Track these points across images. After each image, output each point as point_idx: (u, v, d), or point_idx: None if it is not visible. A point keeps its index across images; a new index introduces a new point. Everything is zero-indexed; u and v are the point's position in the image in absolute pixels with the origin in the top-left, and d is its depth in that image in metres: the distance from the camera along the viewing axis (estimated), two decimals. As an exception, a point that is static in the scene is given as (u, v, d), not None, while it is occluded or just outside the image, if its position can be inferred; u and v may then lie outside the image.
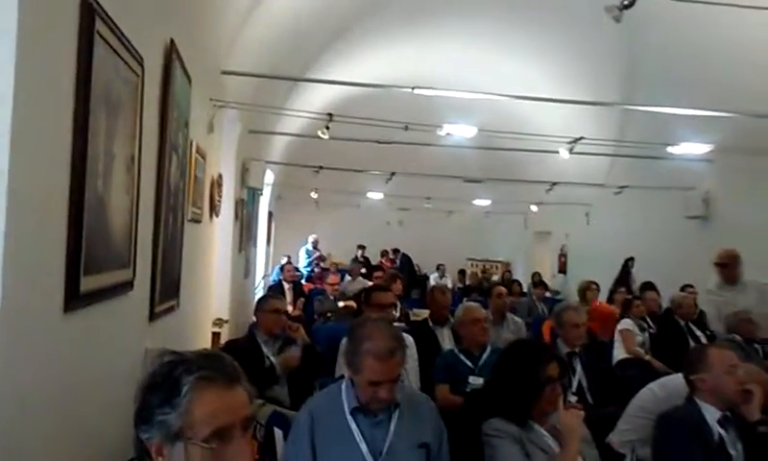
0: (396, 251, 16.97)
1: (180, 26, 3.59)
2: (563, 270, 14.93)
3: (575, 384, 4.37)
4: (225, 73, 5.25)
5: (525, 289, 11.74)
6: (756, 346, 5.76)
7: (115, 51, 2.32)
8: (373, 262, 15.41)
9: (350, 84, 8.27)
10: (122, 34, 2.38)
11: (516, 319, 6.56)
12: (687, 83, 8.55)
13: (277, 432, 2.63)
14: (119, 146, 2.44)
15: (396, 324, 5.64)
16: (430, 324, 5.45)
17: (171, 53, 3.30)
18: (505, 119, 9.85)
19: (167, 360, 1.44)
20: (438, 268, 17.00)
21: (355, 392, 2.44)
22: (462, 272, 16.96)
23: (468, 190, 14.26)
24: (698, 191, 10.10)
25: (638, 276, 10.34)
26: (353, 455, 2.34)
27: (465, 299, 8.93)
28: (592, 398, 4.33)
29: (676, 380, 3.21)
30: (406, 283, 11.13)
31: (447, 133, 7.82)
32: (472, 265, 18.10)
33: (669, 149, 8.05)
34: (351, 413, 2.42)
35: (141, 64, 2.71)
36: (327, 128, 6.74)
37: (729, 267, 6.33)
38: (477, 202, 16.13)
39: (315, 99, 10.70)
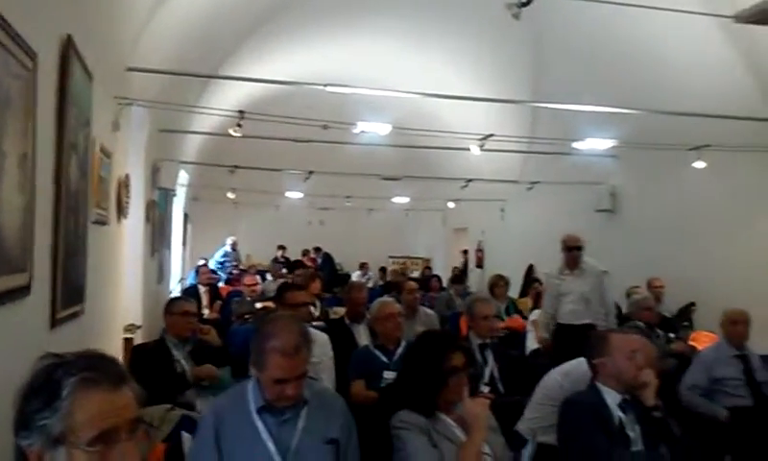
0: (317, 249, 16.91)
1: (80, 21, 3.46)
2: (480, 265, 15.24)
3: (487, 374, 4.49)
4: (130, 70, 5.08)
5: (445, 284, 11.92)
6: (659, 332, 6.07)
7: (3, 44, 2.22)
8: (297, 263, 15.30)
9: (262, 82, 8.17)
10: (10, 27, 2.28)
11: (429, 312, 6.65)
12: (592, 80, 8.90)
13: (186, 437, 2.57)
14: (10, 144, 2.33)
15: (314, 323, 5.64)
16: (347, 321, 5.47)
17: (68, 48, 3.17)
18: (419, 117, 10.00)
19: (46, 363, 1.38)
20: (361, 267, 17.04)
21: (261, 390, 2.41)
22: (383, 269, 17.08)
23: (386, 188, 14.36)
24: (606, 186, 10.53)
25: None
26: (261, 454, 2.31)
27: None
28: (504, 387, 4.45)
29: (579, 367, 3.34)
30: (327, 282, 11.12)
31: (362, 131, 7.85)
32: (394, 262, 18.27)
33: (574, 144, 8.37)
34: (258, 412, 2.39)
35: (34, 60, 2.59)
36: (239, 125, 6.63)
37: (572, 251, 6.40)
38: (396, 200, 16.26)
39: (229, 97, 10.52)
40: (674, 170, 8.65)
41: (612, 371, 2.95)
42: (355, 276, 15.86)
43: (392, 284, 10.92)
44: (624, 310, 6.92)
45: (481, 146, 7.30)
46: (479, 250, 15.37)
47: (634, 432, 2.83)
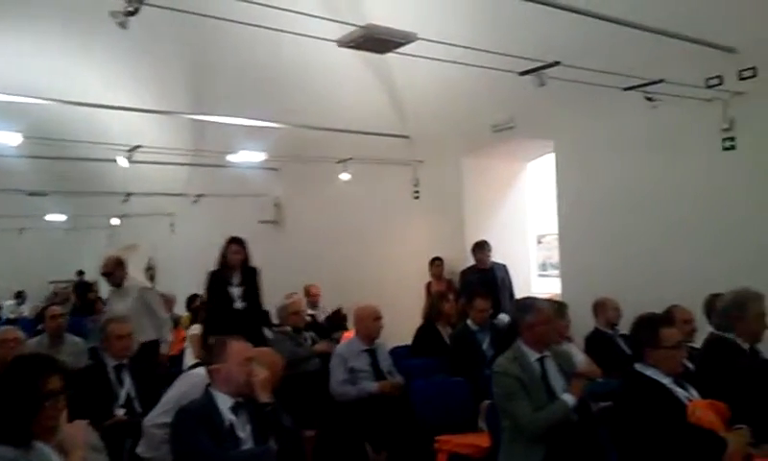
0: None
1: None
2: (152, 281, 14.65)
3: (123, 396, 4.29)
4: None
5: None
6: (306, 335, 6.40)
7: None
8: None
9: None
10: None
11: (77, 339, 6.16)
12: (250, 96, 9.16)
13: None
14: None
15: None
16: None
17: None
18: (61, 125, 9.27)
19: None
20: (17, 295, 15.12)
21: None
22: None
23: (35, 204, 12.96)
24: (269, 197, 10.90)
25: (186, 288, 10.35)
26: None
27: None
28: (143, 407, 4.28)
29: (200, 372, 3.35)
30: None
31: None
32: (56, 288, 16.58)
33: (228, 157, 8.51)
34: None
35: None
36: None
37: (112, 275, 6.24)
38: (50, 217, 14.73)
39: None
40: (326, 181, 9.28)
41: (225, 376, 3.01)
42: (7, 306, 14.08)
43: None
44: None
45: (129, 157, 6.99)
46: (150, 267, 14.77)
47: (244, 432, 2.93)
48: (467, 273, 7.91)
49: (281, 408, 3.07)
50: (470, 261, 7.88)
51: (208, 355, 3.14)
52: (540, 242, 9.35)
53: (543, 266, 9.32)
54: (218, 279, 6.02)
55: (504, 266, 7.95)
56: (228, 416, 2.93)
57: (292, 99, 8.76)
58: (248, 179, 10.57)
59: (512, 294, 7.77)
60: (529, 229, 8.94)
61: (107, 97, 8.43)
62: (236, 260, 6.00)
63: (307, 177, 9.80)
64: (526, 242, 8.89)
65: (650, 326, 3.29)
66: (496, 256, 7.86)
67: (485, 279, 7.62)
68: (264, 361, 3.20)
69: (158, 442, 3.30)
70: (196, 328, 6.95)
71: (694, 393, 3.27)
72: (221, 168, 10.01)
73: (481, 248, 7.77)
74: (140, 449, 3.44)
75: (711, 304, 4.70)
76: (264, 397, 3.01)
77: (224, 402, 2.97)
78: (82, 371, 4.67)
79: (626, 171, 6.38)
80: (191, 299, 8.90)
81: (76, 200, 13.56)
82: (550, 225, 7.75)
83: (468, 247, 7.88)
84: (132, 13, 3.10)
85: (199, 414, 2.88)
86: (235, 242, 6.07)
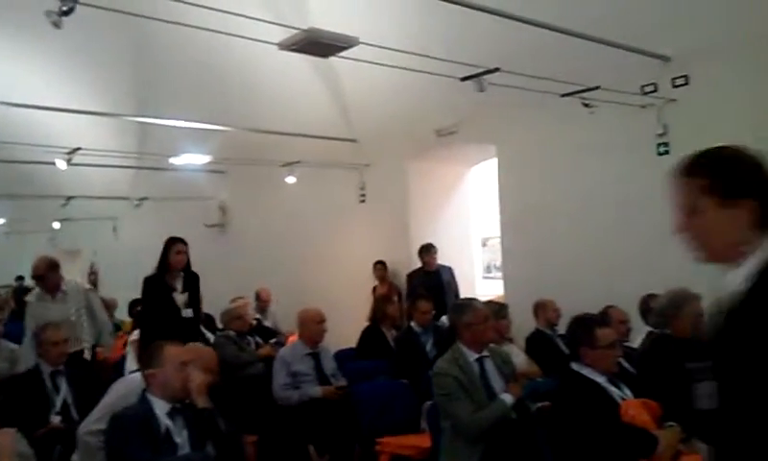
0: None
1: None
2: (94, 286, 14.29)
3: (59, 403, 4.21)
4: None
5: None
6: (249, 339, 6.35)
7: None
8: None
9: None
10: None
11: (13, 346, 5.97)
12: (196, 100, 9.03)
13: None
14: None
15: None
16: None
17: None
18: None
19: None
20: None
21: None
22: None
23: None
24: (215, 201, 10.77)
25: (127, 293, 9.96)
26: None
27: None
28: (80, 413, 4.20)
29: (136, 377, 3.30)
30: None
31: None
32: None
33: (171, 160, 8.38)
34: None
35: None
36: None
37: (45, 278, 5.69)
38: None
39: None
40: (272, 185, 9.23)
41: (162, 381, 2.98)
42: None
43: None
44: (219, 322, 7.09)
45: (68, 160, 6.82)
46: (92, 272, 14.41)
47: (181, 438, 2.90)
48: (413, 275, 7.99)
49: (219, 413, 3.05)
50: (417, 264, 7.95)
51: (144, 360, 3.09)
52: (485, 245, 9.49)
53: (488, 268, 9.47)
54: (160, 286, 5.44)
55: (450, 269, 8.06)
56: (165, 421, 2.90)
57: (238, 102, 8.69)
58: (193, 182, 10.43)
59: (457, 296, 7.86)
60: (473, 232, 9.07)
61: (48, 99, 8.21)
62: (180, 262, 5.48)
63: (253, 180, 9.73)
64: (471, 245, 9.01)
65: (586, 326, 3.38)
66: (442, 259, 7.96)
67: (431, 281, 7.71)
68: (200, 363, 3.17)
69: (95, 449, 3.24)
70: (138, 335, 6.83)
71: (628, 392, 3.37)
72: (165, 171, 9.84)
73: (427, 251, 7.86)
74: (75, 458, 3.37)
75: (647, 305, 4.87)
76: (201, 401, 2.98)
77: (160, 408, 2.93)
78: (16, 377, 4.56)
79: (565, 175, 6.54)
80: (133, 304, 8.72)
81: (15, 203, 13.14)
82: (495, 228, 7.88)
83: (414, 250, 7.96)
84: (66, 13, 3.03)
85: (134, 420, 2.84)
86: (179, 241, 5.57)
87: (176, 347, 3.12)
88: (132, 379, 3.48)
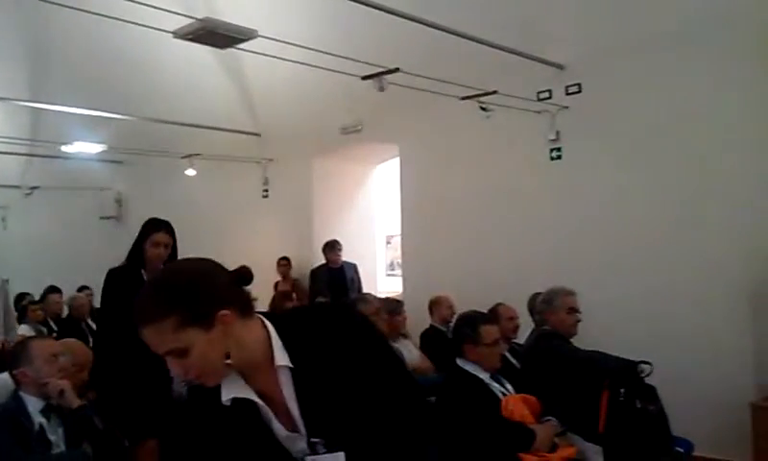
0: None
1: None
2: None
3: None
4: None
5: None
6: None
7: None
8: None
9: None
10: None
11: None
12: (93, 87, 8.66)
13: None
14: None
15: None
16: None
17: None
18: None
19: None
20: None
21: None
22: None
23: None
24: (111, 192, 10.38)
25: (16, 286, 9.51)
26: None
27: None
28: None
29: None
30: None
31: None
32: None
33: (63, 148, 8.03)
34: None
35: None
36: None
37: None
38: None
39: None
40: (172, 177, 8.99)
41: (33, 378, 2.85)
42: None
43: None
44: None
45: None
46: (-23, 264, 13.57)
47: (56, 435, 2.78)
48: (317, 271, 7.99)
49: (95, 410, 2.95)
50: (320, 260, 7.95)
51: (10, 361, 2.95)
52: (389, 243, 9.60)
53: (391, 265, 9.58)
54: (132, 283, 3.60)
55: (354, 265, 8.10)
56: (39, 419, 2.77)
57: (137, 90, 8.40)
58: (88, 172, 10.02)
59: (360, 292, 7.92)
60: (377, 230, 9.14)
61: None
62: (159, 258, 3.77)
63: (152, 171, 9.46)
64: (374, 243, 9.09)
65: (471, 323, 3.45)
66: (346, 256, 7.99)
67: (335, 277, 7.75)
68: (72, 357, 3.05)
69: None
70: (23, 329, 6.52)
71: (509, 387, 3.49)
72: (59, 159, 9.41)
73: (332, 247, 7.87)
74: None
75: (533, 302, 5.06)
76: (74, 403, 2.86)
77: (34, 405, 2.80)
78: None
79: (463, 176, 6.70)
80: (20, 297, 8.29)
81: None
82: (398, 226, 7.99)
83: (318, 246, 7.95)
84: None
85: (3, 417, 2.70)
86: (162, 229, 3.82)
87: (43, 341, 3.00)
88: (5, 378, 3.30)
